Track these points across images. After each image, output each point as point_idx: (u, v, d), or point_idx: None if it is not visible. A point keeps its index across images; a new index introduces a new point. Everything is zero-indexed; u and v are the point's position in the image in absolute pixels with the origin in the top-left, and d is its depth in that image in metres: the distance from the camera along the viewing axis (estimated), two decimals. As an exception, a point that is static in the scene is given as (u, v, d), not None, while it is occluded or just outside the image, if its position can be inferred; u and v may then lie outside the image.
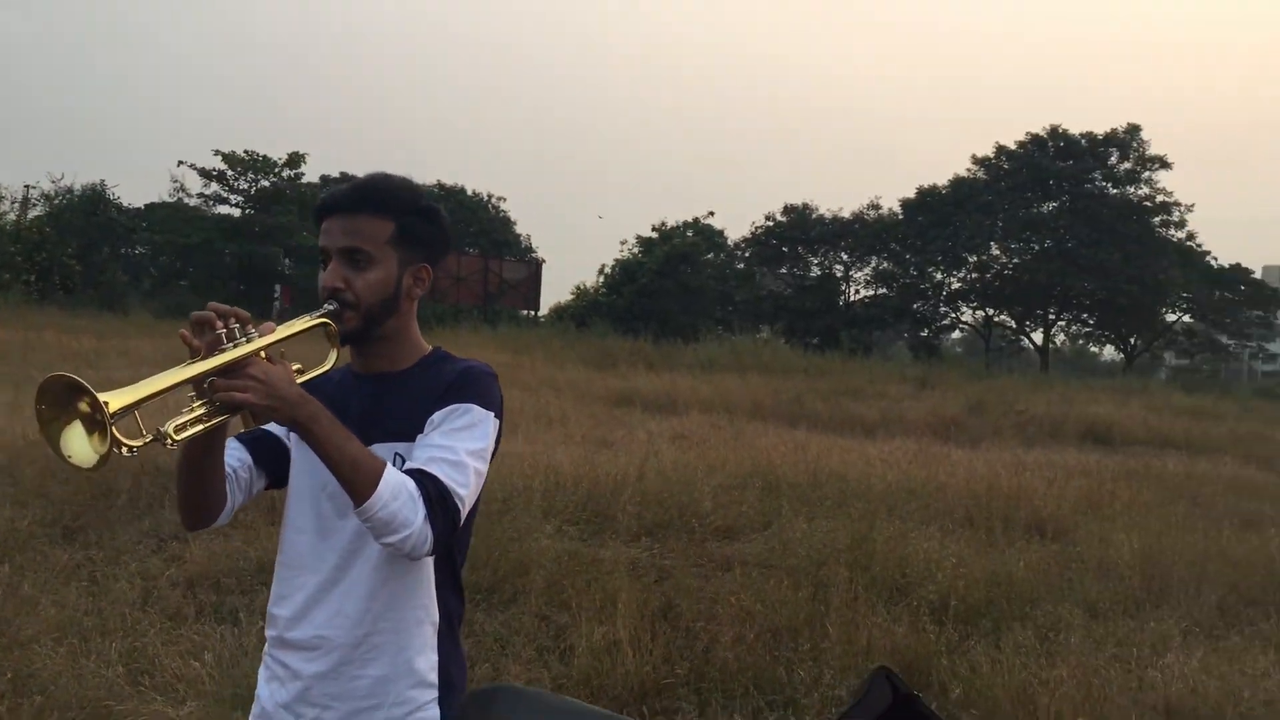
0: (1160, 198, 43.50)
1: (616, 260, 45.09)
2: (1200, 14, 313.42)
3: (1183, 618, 6.30)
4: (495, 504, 7.01)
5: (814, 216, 47.19)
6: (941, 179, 47.07)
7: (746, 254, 48.21)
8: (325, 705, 2.00)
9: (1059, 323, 46.85)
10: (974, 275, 45.31)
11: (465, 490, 1.92)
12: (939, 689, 4.86)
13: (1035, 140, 44.50)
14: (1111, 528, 8.23)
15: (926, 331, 47.25)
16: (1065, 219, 42.97)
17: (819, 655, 4.93)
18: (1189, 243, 44.35)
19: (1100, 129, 43.77)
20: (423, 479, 1.88)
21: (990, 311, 46.71)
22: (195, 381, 1.74)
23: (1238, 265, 46.95)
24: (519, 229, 60.30)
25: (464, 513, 1.94)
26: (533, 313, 44.98)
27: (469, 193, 59.35)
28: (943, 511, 8.12)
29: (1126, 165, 43.58)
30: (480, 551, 6.14)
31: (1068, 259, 41.79)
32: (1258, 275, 51.42)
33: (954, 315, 47.75)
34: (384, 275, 2.03)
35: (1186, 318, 47.27)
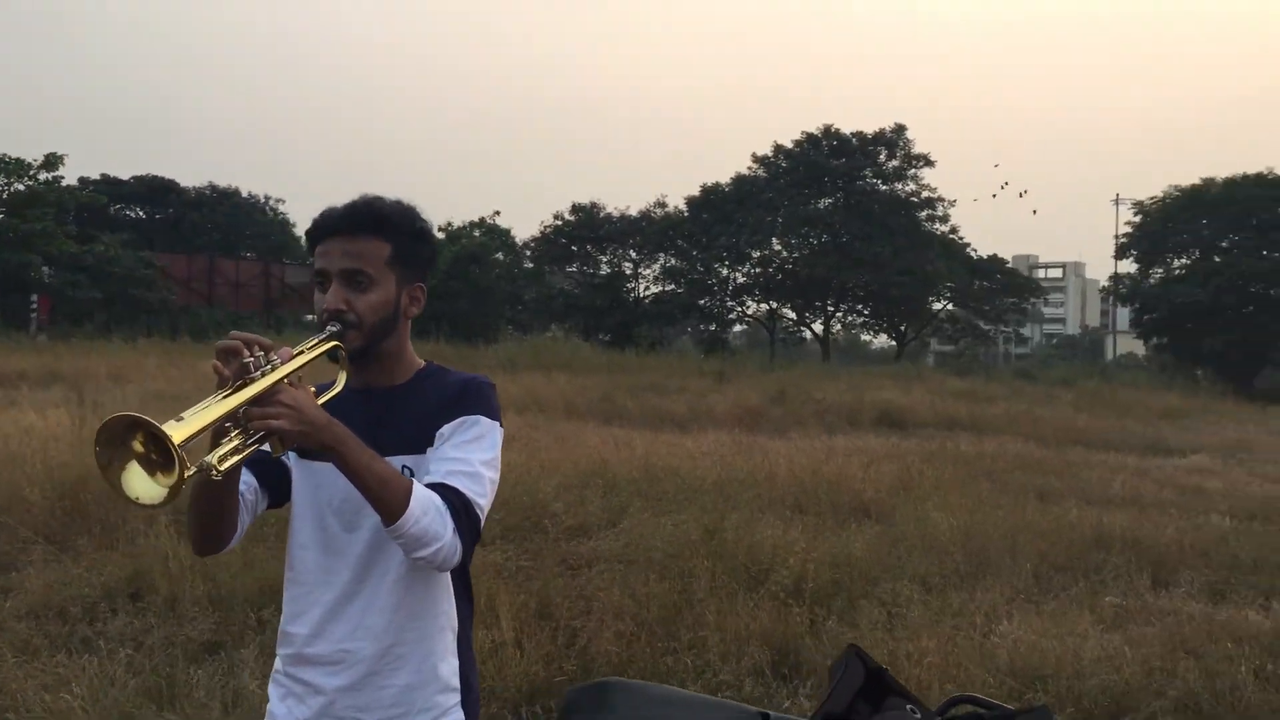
0: (925, 193, 46.16)
1: (404, 261, 44.33)
2: (955, 21, 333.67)
3: (1005, 587, 6.82)
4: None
5: (602, 215, 47.77)
6: (724, 177, 48.40)
7: (536, 253, 48.38)
8: (352, 718, 2.03)
9: (837, 314, 48.98)
10: (757, 270, 46.87)
11: (484, 500, 2.00)
12: (808, 669, 5.13)
13: (810, 139, 46.37)
14: (926, 507, 8.77)
15: (714, 326, 48.57)
16: (840, 215, 44.98)
17: (699, 644, 5.12)
18: (951, 236, 47.16)
19: (870, 128, 46.12)
20: (446, 492, 1.95)
21: (773, 304, 48.42)
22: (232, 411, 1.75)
23: (994, 256, 50.24)
24: (300, 231, 58.65)
25: (483, 521, 2.01)
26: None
27: (245, 195, 57.32)
28: (776, 500, 8.48)
29: (894, 163, 46.01)
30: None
31: (844, 253, 43.76)
32: (1010, 265, 55.14)
33: (740, 309, 49.25)
34: (384, 296, 2.07)
35: (950, 306, 50.16)
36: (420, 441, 2.05)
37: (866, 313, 49.37)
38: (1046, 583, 7.15)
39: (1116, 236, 51.60)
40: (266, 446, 1.84)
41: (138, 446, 1.65)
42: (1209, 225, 44.35)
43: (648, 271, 48.46)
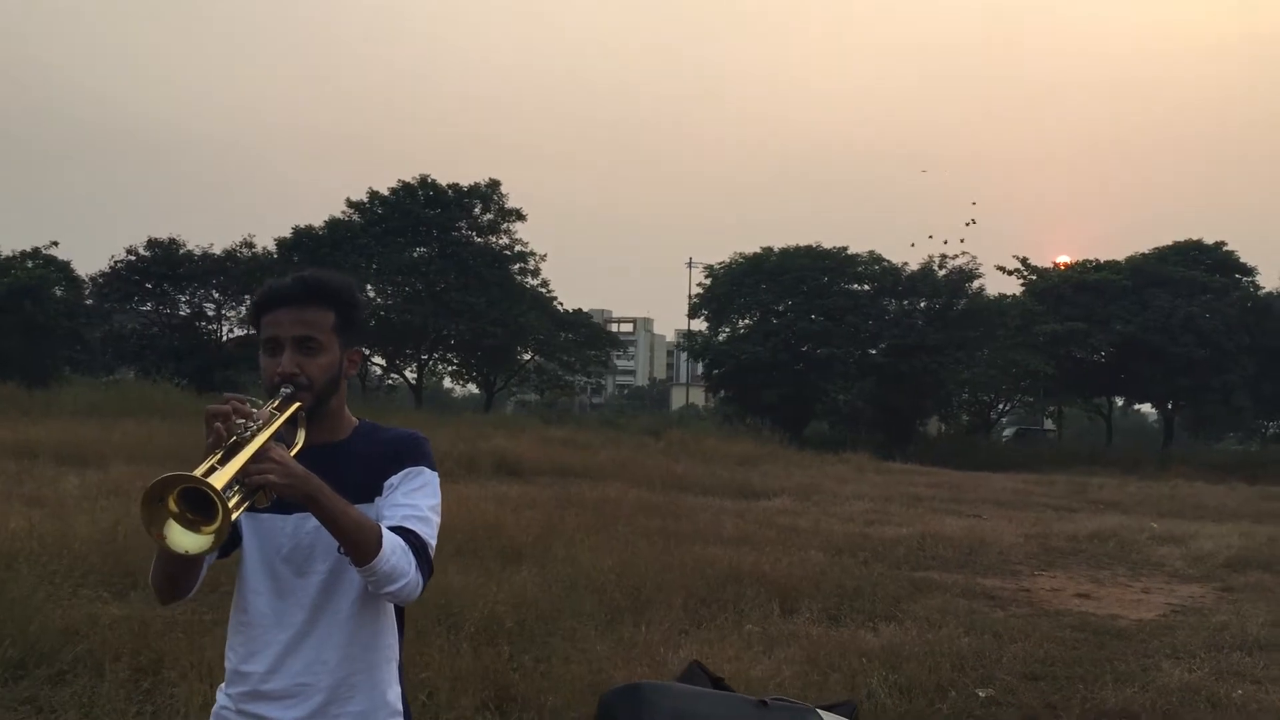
0: (518, 247, 47.66)
1: (-62, 292, 39.80)
2: (544, 80, 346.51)
3: (663, 620, 7.47)
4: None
5: (182, 252, 45.14)
6: (317, 220, 47.36)
7: (105, 290, 44.84)
8: None
9: (429, 362, 49.25)
10: (350, 315, 46.13)
11: (434, 541, 2.27)
12: (524, 702, 5.45)
13: (406, 188, 46.56)
14: (578, 550, 9.33)
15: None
16: (436, 264, 45.45)
17: (423, 684, 5.28)
18: (541, 289, 49.00)
19: (465, 181, 47.05)
20: (405, 534, 2.19)
21: (366, 350, 47.89)
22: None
23: (579, 310, 52.72)
24: None
25: (433, 559, 2.26)
26: None
27: None
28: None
29: (489, 216, 47.21)
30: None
31: (439, 302, 44.22)
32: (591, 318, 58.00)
33: (330, 355, 48.18)
34: (330, 359, 2.30)
35: (537, 357, 51.93)
36: (369, 491, 2.26)
37: (457, 361, 50.05)
38: (695, 615, 7.90)
39: (690, 296, 55.80)
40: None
41: (172, 506, 1.83)
42: (768, 290, 49.07)
43: (232, 314, 46.36)
